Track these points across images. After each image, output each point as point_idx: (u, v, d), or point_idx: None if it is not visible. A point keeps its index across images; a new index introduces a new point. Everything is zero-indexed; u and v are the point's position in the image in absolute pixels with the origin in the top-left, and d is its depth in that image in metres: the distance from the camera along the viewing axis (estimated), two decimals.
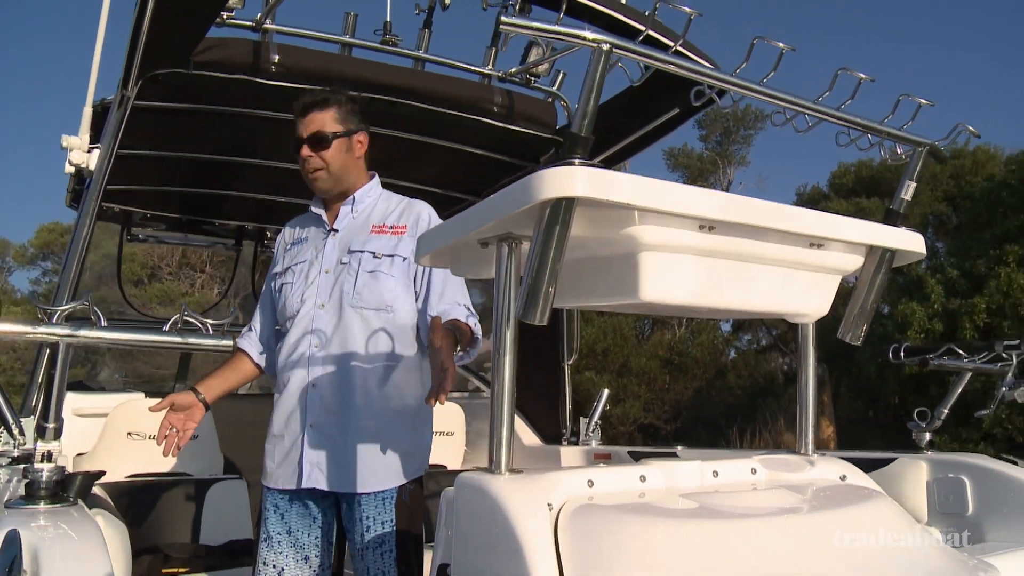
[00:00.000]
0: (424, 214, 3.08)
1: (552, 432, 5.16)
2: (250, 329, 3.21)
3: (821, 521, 1.88)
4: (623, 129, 4.31)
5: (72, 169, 3.75)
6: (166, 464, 4.38)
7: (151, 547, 3.94)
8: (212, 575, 3.86)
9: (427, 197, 5.39)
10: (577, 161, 1.59)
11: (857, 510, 1.92)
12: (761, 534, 1.73)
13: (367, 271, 2.90)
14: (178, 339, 2.32)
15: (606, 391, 5.03)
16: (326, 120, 2.96)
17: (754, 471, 2.15)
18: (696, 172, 24.67)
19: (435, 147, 4.70)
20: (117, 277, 6.03)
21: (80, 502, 2.06)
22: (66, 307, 2.20)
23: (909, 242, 2.14)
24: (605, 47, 1.58)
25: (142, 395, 4.76)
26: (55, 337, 2.32)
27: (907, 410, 12.96)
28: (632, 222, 1.70)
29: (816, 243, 1.99)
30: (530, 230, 1.73)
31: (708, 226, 1.77)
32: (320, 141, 2.94)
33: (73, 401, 4.42)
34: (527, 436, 5.23)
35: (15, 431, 3.45)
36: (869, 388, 13.47)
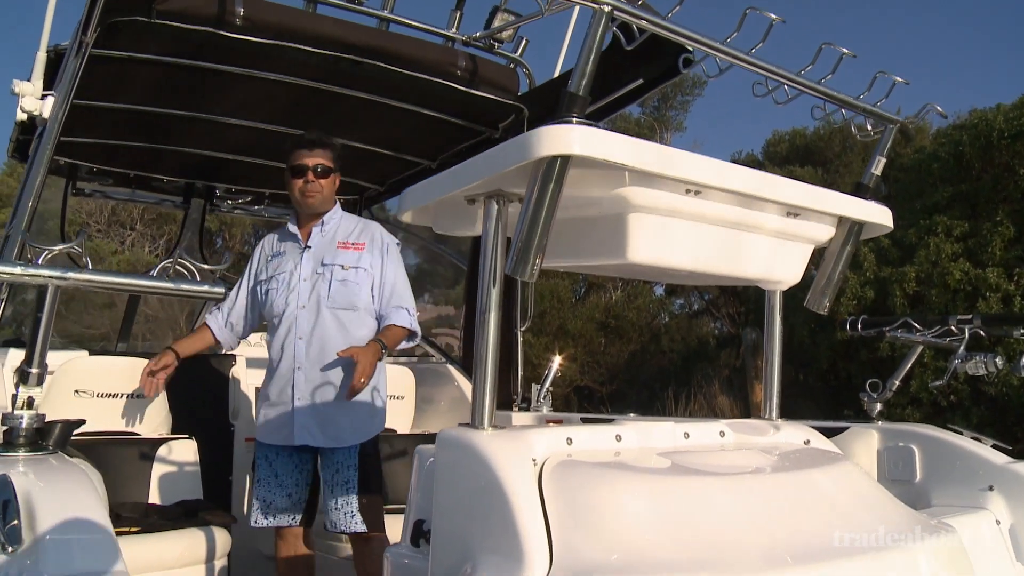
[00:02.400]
0: (377, 233, 3.86)
1: (503, 398, 5.13)
2: (218, 309, 3.99)
3: (790, 479, 1.95)
4: (596, 92, 4.28)
5: (24, 116, 3.62)
6: (114, 423, 4.31)
7: None
8: (163, 535, 3.80)
9: (383, 159, 5.42)
10: (574, 119, 1.60)
11: (823, 471, 1.99)
12: (733, 490, 1.78)
13: (338, 280, 3.71)
14: (170, 284, 2.27)
15: (557, 359, 5.05)
16: (328, 157, 3.79)
17: (723, 434, 2.21)
18: (633, 136, 24.63)
19: (395, 109, 4.64)
20: (61, 233, 5.85)
21: (59, 451, 2.01)
22: (55, 248, 2.14)
23: (879, 215, 2.21)
24: (606, 8, 1.59)
25: (86, 353, 4.67)
26: (43, 279, 2.24)
27: (837, 375, 13.32)
28: (622, 183, 1.72)
29: (793, 212, 2.04)
30: (521, 188, 1.74)
31: (695, 191, 1.80)
32: (325, 172, 3.78)
33: (14, 358, 4.32)
34: None
35: None
36: (801, 353, 13.73)
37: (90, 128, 4.75)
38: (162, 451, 4.25)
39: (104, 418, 4.27)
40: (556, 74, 4.41)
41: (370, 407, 3.74)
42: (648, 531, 1.60)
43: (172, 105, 4.60)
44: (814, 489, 1.92)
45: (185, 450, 4.30)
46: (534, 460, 1.70)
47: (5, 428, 2.22)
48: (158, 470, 4.22)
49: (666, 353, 19.39)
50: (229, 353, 4.72)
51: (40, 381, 2.23)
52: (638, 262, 1.79)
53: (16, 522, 1.64)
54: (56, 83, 3.55)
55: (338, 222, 3.87)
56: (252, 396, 5.17)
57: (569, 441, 1.85)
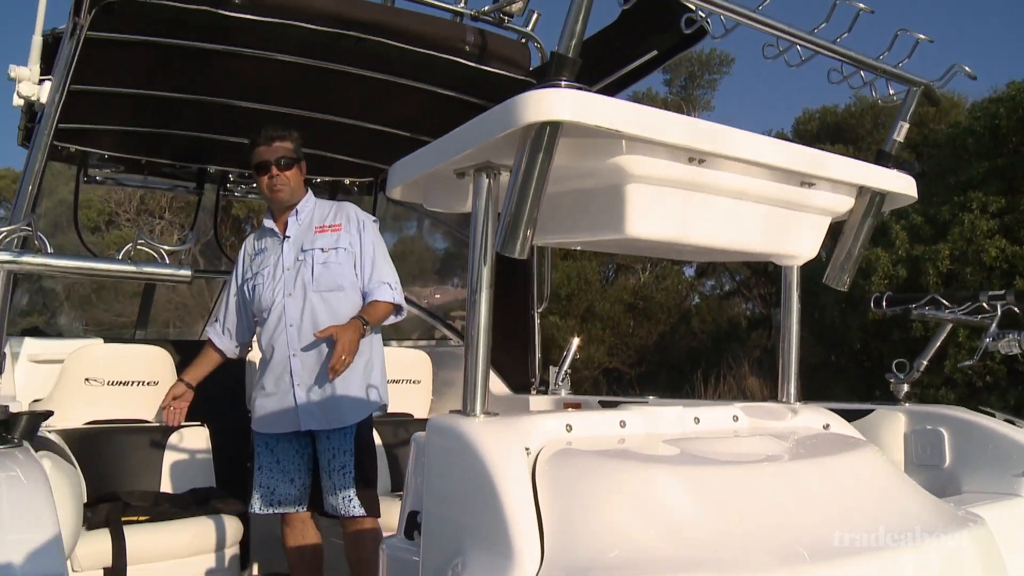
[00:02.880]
0: (352, 212, 3.89)
1: (521, 381, 5.04)
2: (216, 320, 4.12)
3: (806, 468, 1.81)
4: (598, 71, 4.15)
5: (21, 102, 3.54)
6: (125, 411, 4.26)
7: (110, 494, 3.83)
8: (173, 523, 3.74)
9: (392, 140, 5.29)
10: (563, 83, 1.48)
11: (843, 458, 1.85)
12: (744, 481, 1.66)
13: (320, 263, 3.75)
14: (132, 268, 2.14)
15: (576, 341, 4.94)
16: (289, 149, 3.83)
17: (736, 418, 2.08)
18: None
19: (403, 87, 4.50)
20: (74, 221, 5.79)
21: (26, 444, 1.91)
22: (4, 230, 2.02)
23: (901, 185, 2.05)
24: None
25: (100, 341, 4.63)
26: None
27: (869, 355, 13.11)
28: (619, 151, 1.60)
29: (807, 182, 1.90)
30: (510, 159, 1.63)
31: (698, 159, 1.67)
32: (288, 164, 3.80)
33: (29, 347, 4.28)
34: (495, 385, 5.12)
35: None
36: (832, 333, 13.51)
37: (98, 114, 4.69)
38: (173, 438, 4.20)
39: (116, 406, 4.23)
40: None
41: (365, 384, 3.77)
42: (649, 526, 1.49)
43: (176, 88, 4.52)
44: (832, 478, 1.79)
45: (197, 437, 4.25)
46: (527, 449, 1.60)
47: None
48: (170, 458, 4.18)
49: (696, 334, 19.22)
50: None
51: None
52: (638, 237, 1.67)
53: None
54: (53, 67, 3.46)
55: (312, 208, 3.92)
56: None
57: (569, 428, 1.74)
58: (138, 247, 2.21)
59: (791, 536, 1.56)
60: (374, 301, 3.73)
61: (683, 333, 19.18)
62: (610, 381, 17.50)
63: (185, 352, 4.40)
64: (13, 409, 2.74)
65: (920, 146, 17.01)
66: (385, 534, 3.64)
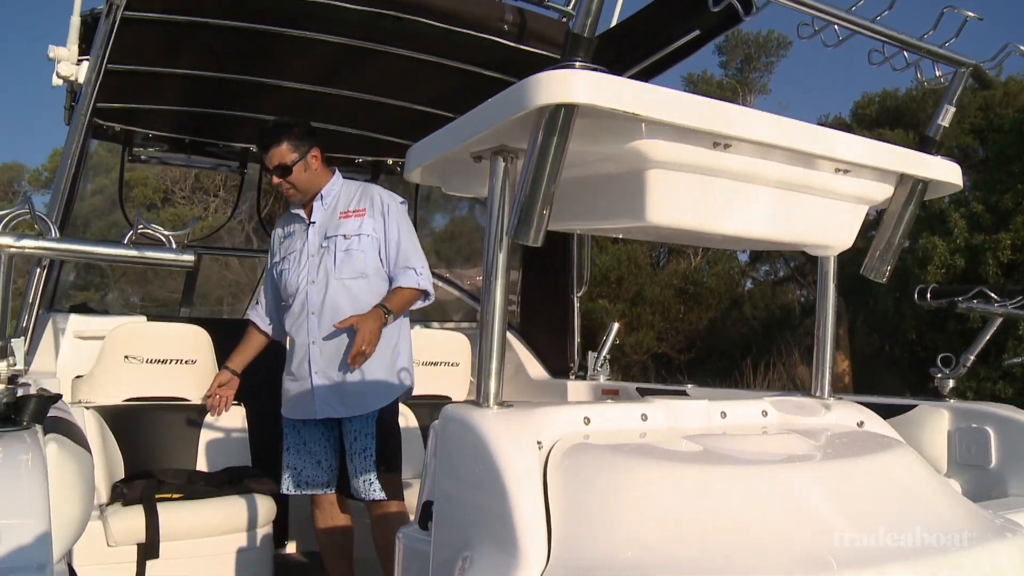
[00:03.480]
0: (376, 195, 3.81)
1: (560, 366, 5.01)
2: (257, 303, 4.14)
3: (835, 470, 1.72)
4: (641, 51, 4.06)
5: (60, 82, 3.57)
6: (163, 388, 4.29)
7: (144, 472, 3.86)
8: (206, 501, 3.76)
9: (432, 120, 5.23)
10: (578, 64, 1.42)
11: (875, 459, 1.76)
12: (767, 482, 1.58)
13: (343, 250, 3.70)
14: (134, 252, 2.11)
15: (616, 325, 4.86)
16: (284, 153, 3.73)
17: (765, 413, 2.01)
18: (715, 99, 24.02)
19: (440, 67, 4.44)
20: (119, 199, 5.85)
21: (36, 427, 1.90)
22: (6, 212, 2.00)
23: (945, 172, 1.95)
24: None
25: (144, 318, 4.67)
26: None
27: (924, 346, 12.81)
28: (639, 135, 1.53)
29: (843, 168, 1.81)
30: (523, 143, 1.57)
31: (724, 144, 1.60)
32: (284, 170, 3.74)
33: (74, 323, 4.34)
34: (534, 369, 5.09)
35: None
36: (886, 322, 13.22)
37: (141, 93, 4.72)
38: (210, 418, 4.23)
39: (153, 384, 4.26)
40: (612, 25, 4.17)
41: (389, 372, 3.73)
42: (662, 527, 1.43)
43: (218, 68, 4.52)
44: (861, 481, 1.70)
45: (234, 417, 4.27)
46: (539, 443, 1.54)
47: None
48: (206, 436, 4.21)
49: (747, 320, 18.96)
50: None
51: (3, 354, 2.10)
52: (658, 224, 1.60)
53: None
54: (91, 48, 3.47)
55: (338, 192, 3.86)
56: None
57: (587, 421, 1.68)
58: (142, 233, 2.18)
59: (812, 542, 1.48)
60: (398, 288, 3.68)
61: (734, 319, 18.93)
62: (659, 367, 17.35)
63: (224, 331, 4.42)
64: (50, 386, 2.75)
65: (984, 131, 16.54)
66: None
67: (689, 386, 4.08)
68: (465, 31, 3.93)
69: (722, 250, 18.79)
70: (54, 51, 3.52)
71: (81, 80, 3.47)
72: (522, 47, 4.08)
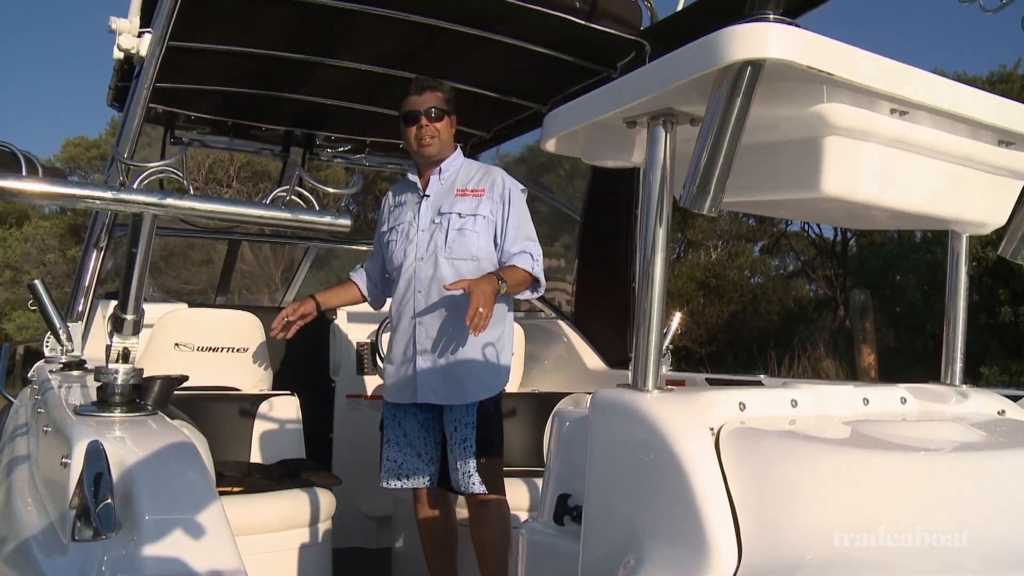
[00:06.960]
0: (499, 178, 3.63)
1: (617, 356, 4.86)
2: (362, 267, 3.94)
3: (990, 457, 1.62)
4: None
5: (120, 55, 3.45)
6: (215, 377, 4.19)
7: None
8: (267, 496, 3.61)
9: (489, 103, 5.12)
10: (772, 17, 1.30)
11: None
12: (926, 467, 1.48)
13: (455, 229, 3.54)
14: (287, 215, 1.99)
15: (678, 314, 4.73)
16: (440, 99, 3.60)
17: (904, 401, 1.90)
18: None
19: (505, 47, 4.28)
20: (159, 186, 5.72)
21: (160, 412, 1.79)
22: (152, 165, 1.87)
23: None
24: None
25: (185, 306, 4.56)
26: (138, 205, 1.95)
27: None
28: (819, 99, 1.42)
29: (1006, 140, 1.70)
30: (692, 106, 1.46)
31: (900, 110, 1.49)
32: (439, 115, 3.59)
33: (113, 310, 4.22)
34: (590, 359, 4.96)
35: (63, 336, 3.23)
36: (913, 316, 13.11)
37: (185, 73, 4.57)
38: (263, 407, 4.08)
39: (204, 372, 4.13)
40: (680, 7, 4.05)
41: (494, 362, 3.57)
42: (851, 520, 1.32)
43: (276, 46, 4.38)
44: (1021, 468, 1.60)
45: (288, 407, 4.13)
46: (711, 428, 1.44)
47: (98, 385, 1.98)
48: (260, 427, 4.07)
49: (763, 314, 18.84)
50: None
51: (136, 330, 1.97)
52: (836, 196, 1.49)
53: (109, 501, 1.41)
54: (153, 20, 3.35)
55: (457, 168, 3.70)
56: (352, 352, 5.00)
57: (742, 406, 1.58)
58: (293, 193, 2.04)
59: (992, 536, 1.38)
60: (513, 266, 3.49)
61: (752, 312, 18.82)
62: (679, 359, 17.20)
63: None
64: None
65: None
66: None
67: (763, 376, 3.94)
68: (536, 8, 3.81)
69: (743, 243, 18.61)
70: (115, 23, 3.40)
71: (143, 53, 3.35)
72: (592, 26, 3.96)
